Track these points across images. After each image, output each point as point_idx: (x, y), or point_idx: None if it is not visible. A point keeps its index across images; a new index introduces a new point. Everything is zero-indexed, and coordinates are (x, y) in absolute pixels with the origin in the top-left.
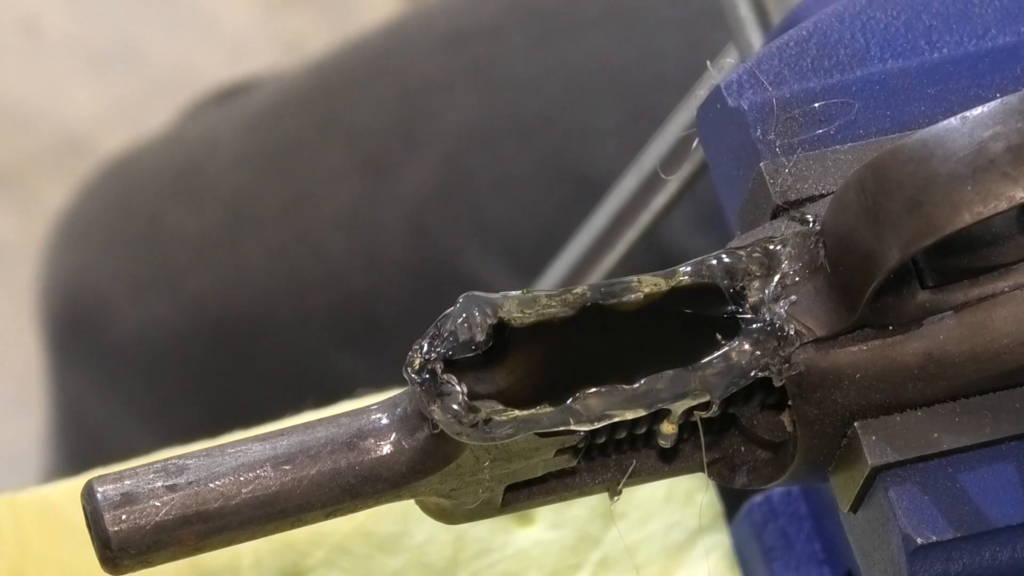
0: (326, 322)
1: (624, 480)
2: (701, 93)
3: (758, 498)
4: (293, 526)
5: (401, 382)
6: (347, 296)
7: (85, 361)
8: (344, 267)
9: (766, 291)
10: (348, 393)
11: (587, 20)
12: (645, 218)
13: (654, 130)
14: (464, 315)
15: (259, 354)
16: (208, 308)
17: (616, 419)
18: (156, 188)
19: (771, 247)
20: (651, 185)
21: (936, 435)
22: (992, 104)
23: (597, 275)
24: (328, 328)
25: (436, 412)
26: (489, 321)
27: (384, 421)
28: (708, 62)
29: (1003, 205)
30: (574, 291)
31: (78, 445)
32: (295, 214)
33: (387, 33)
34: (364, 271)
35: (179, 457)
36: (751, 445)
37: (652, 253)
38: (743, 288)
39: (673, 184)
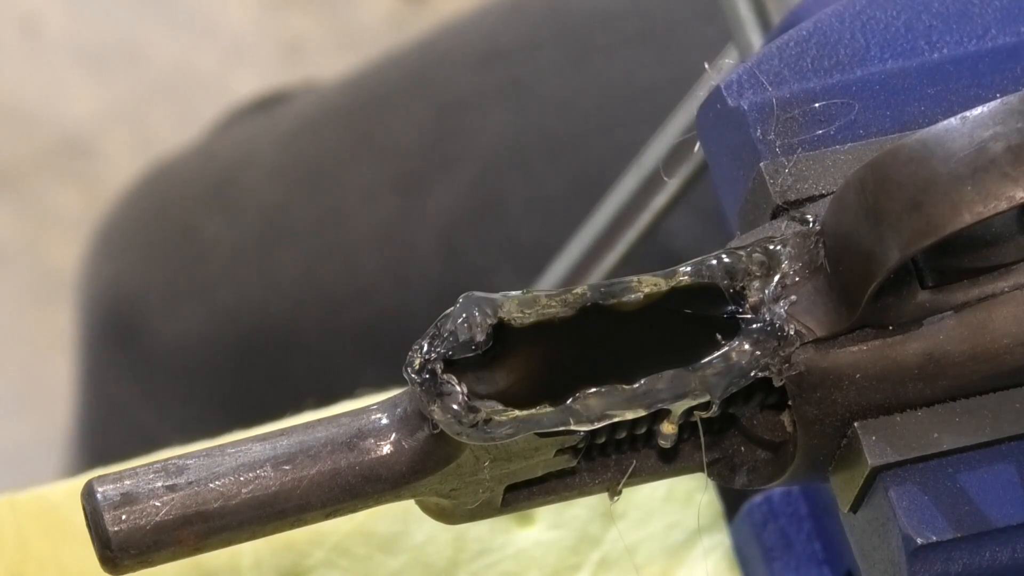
0: (355, 338)
1: (624, 480)
2: (701, 94)
3: (758, 498)
4: (293, 526)
5: (400, 377)
6: (377, 312)
7: (119, 369)
8: (375, 283)
9: (766, 291)
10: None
11: (621, 39)
12: (645, 218)
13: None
14: (464, 315)
15: (289, 367)
16: (240, 320)
17: (616, 419)
18: (192, 199)
19: (771, 247)
20: (651, 185)
21: (936, 435)
22: (992, 104)
23: (597, 275)
24: (357, 344)
25: (436, 412)
26: (489, 321)
27: (384, 421)
28: (706, 63)
29: (1003, 205)
30: (574, 291)
31: (109, 448)
32: (328, 229)
33: (421, 49)
34: (395, 288)
35: (179, 457)
36: (751, 445)
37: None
38: (743, 288)
39: (673, 184)
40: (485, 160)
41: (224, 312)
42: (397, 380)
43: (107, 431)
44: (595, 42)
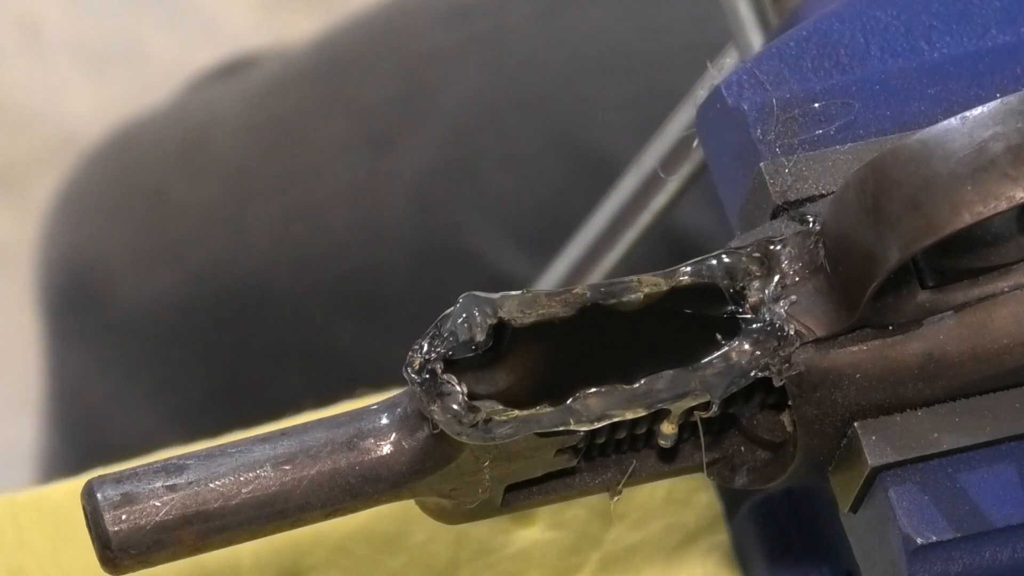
0: (329, 295)
1: (624, 480)
2: (701, 93)
3: (758, 498)
4: (293, 526)
5: (400, 376)
6: (350, 270)
7: (86, 336)
8: (347, 241)
9: (766, 291)
10: (348, 369)
11: None
12: (645, 218)
13: (658, 105)
14: (464, 315)
15: (262, 327)
16: (211, 281)
17: (616, 419)
18: (159, 161)
19: (771, 247)
20: (651, 185)
21: (936, 435)
22: (992, 104)
23: (597, 275)
24: (331, 301)
25: (436, 412)
26: (489, 321)
27: (384, 421)
28: (708, 62)
29: (1003, 205)
30: (574, 291)
31: (78, 421)
32: (298, 188)
33: (389, 7)
34: (367, 245)
35: (179, 457)
36: (751, 445)
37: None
38: (743, 288)
39: (673, 184)
40: (455, 116)
41: (194, 274)
42: (369, 338)
43: (74, 400)
44: None
